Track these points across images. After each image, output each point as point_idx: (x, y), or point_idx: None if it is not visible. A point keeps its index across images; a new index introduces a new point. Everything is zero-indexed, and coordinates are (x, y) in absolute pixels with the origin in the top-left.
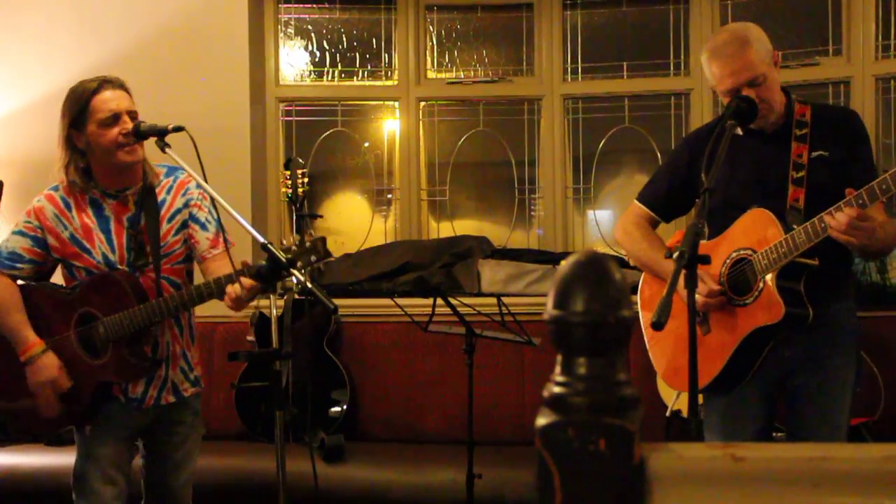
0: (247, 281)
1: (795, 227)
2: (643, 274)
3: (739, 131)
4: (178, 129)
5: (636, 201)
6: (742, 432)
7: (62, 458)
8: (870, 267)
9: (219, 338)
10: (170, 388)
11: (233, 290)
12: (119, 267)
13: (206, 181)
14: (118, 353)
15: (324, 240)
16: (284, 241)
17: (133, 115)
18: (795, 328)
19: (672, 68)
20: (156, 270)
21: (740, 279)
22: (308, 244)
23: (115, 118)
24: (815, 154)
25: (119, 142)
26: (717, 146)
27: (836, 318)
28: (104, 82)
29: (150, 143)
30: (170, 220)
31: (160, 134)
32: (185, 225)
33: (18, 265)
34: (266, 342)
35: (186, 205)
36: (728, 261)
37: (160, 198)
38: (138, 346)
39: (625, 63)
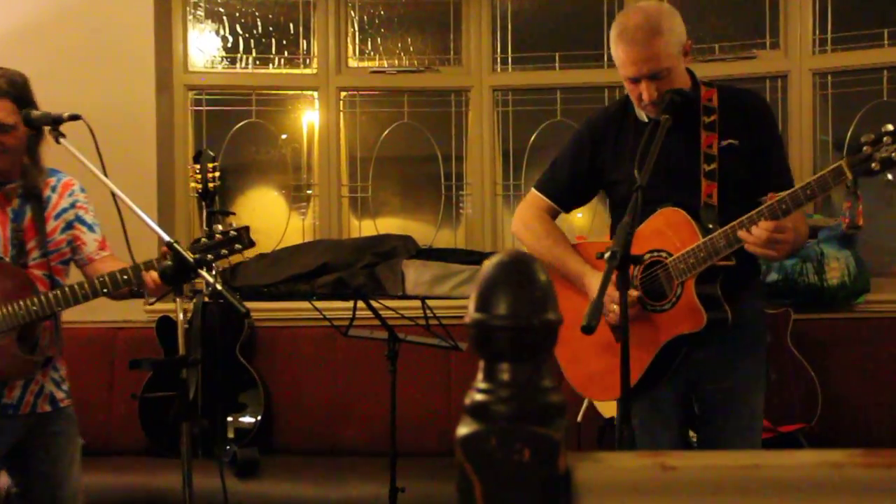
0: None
1: (711, 226)
2: None
3: (645, 118)
4: (75, 117)
5: (536, 191)
6: (659, 439)
7: None
8: (807, 268)
9: (120, 344)
10: (46, 395)
11: (150, 277)
12: (3, 258)
13: (105, 175)
14: (7, 349)
15: (247, 229)
16: (208, 230)
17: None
18: (711, 331)
19: (606, 60)
20: (47, 264)
21: (655, 283)
22: (232, 234)
23: None
24: (724, 143)
25: None
26: (651, 141)
27: (747, 320)
28: None
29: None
30: (56, 217)
31: (54, 122)
32: (70, 226)
33: None
34: (172, 349)
35: (73, 206)
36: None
37: (45, 194)
38: (25, 342)
39: (557, 54)
